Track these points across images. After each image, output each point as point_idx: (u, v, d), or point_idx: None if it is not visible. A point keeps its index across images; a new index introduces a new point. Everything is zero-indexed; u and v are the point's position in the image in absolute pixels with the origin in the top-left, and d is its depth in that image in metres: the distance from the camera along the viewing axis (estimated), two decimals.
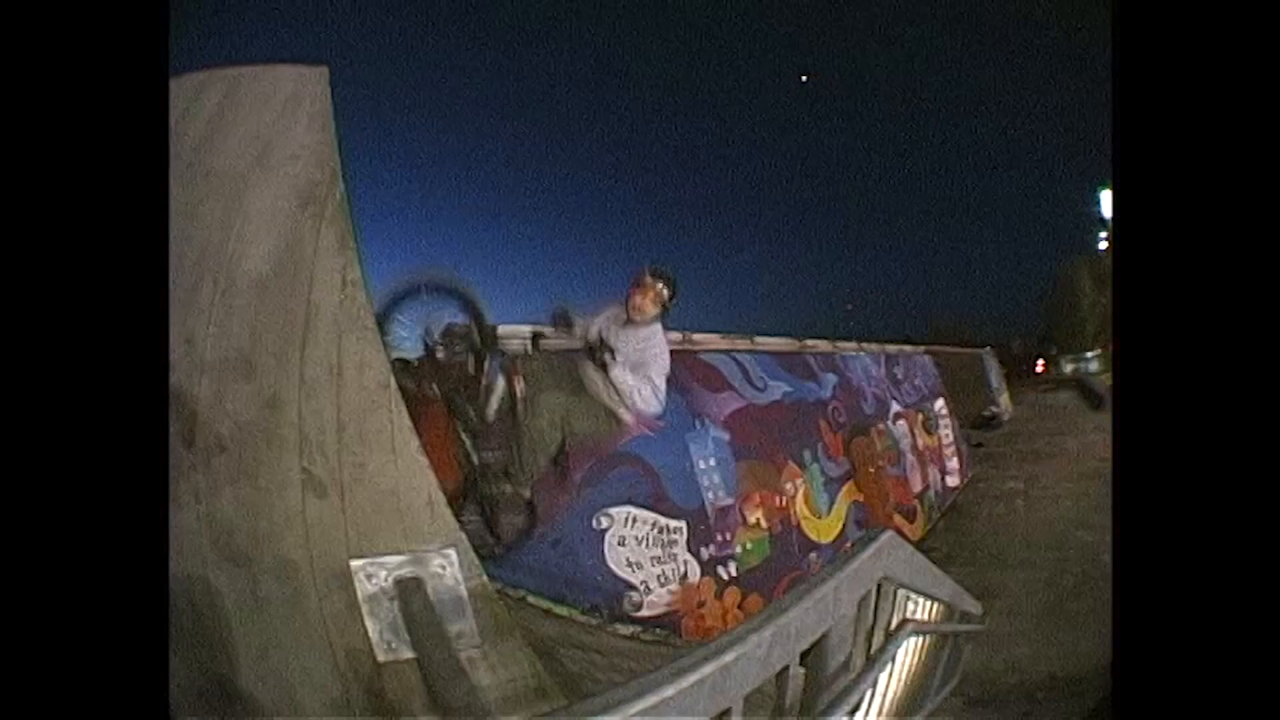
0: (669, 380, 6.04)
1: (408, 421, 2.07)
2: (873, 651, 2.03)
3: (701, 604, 5.09)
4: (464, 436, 3.42)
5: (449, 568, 1.92)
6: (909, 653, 2.59)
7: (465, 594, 1.93)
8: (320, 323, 2.08)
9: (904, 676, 2.63)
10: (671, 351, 6.37)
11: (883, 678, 2.20)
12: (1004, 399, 24.18)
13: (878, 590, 2.01)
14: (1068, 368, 48.63)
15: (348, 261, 2.16)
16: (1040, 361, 53.92)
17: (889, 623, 2.19)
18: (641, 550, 4.68)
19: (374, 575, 1.83)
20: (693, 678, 1.12)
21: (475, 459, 3.44)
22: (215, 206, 2.16)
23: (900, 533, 8.26)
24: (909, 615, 2.41)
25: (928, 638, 2.72)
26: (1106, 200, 32.08)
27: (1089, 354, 44.11)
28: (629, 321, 3.86)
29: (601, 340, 3.75)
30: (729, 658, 1.23)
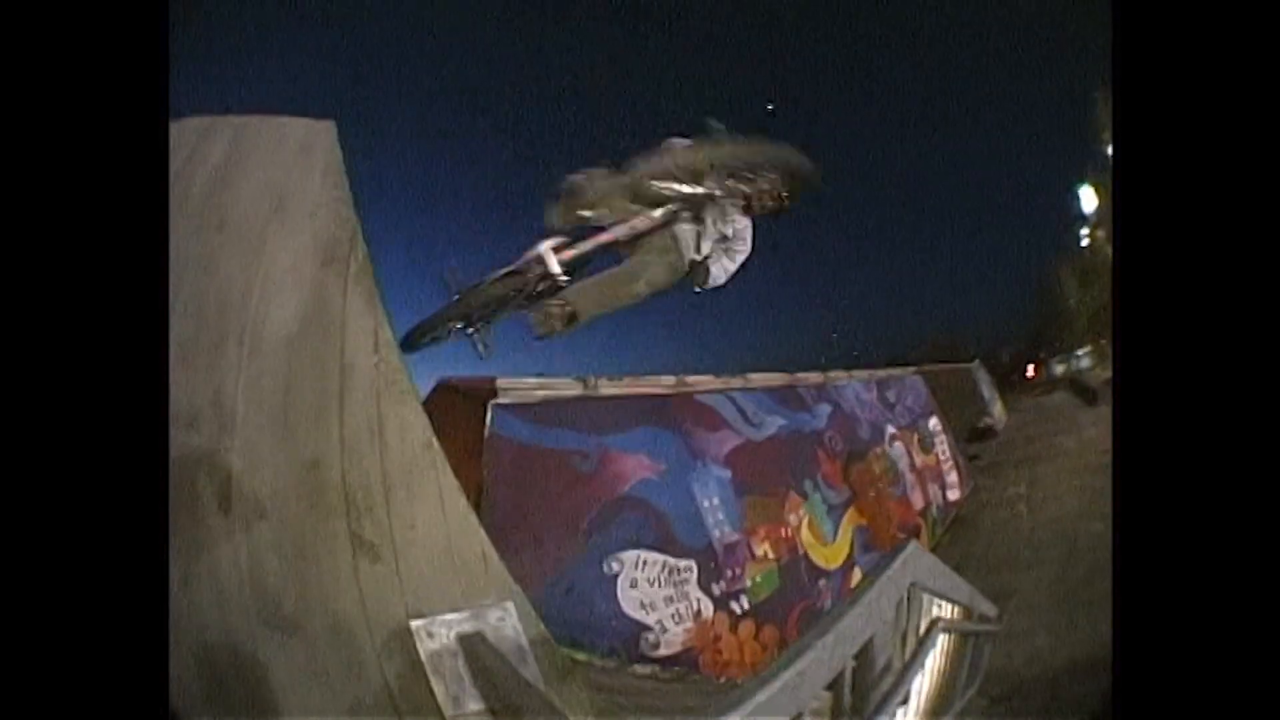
0: (669, 426, 6.34)
1: (453, 480, 2.12)
2: (908, 653, 2.15)
3: (718, 638, 5.20)
4: None
5: (508, 619, 1.98)
6: (938, 653, 2.70)
7: (526, 644, 1.97)
8: (356, 384, 2.09)
9: (934, 677, 2.75)
10: (667, 395, 6.74)
11: (918, 678, 2.30)
12: (997, 409, 24.13)
13: (908, 595, 2.14)
14: (1058, 369, 48.20)
15: (378, 322, 2.20)
16: (1031, 366, 53.80)
17: (919, 625, 2.33)
18: (654, 591, 4.83)
19: (435, 633, 1.86)
20: (777, 684, 1.23)
21: None
22: (233, 260, 2.14)
23: None
24: (936, 617, 2.54)
25: (953, 639, 2.86)
26: (1086, 197, 32.25)
27: (1079, 352, 43.90)
28: (747, 207, 3.55)
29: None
30: (804, 664, 1.33)
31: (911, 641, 2.24)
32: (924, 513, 10.68)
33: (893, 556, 2.06)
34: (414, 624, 1.87)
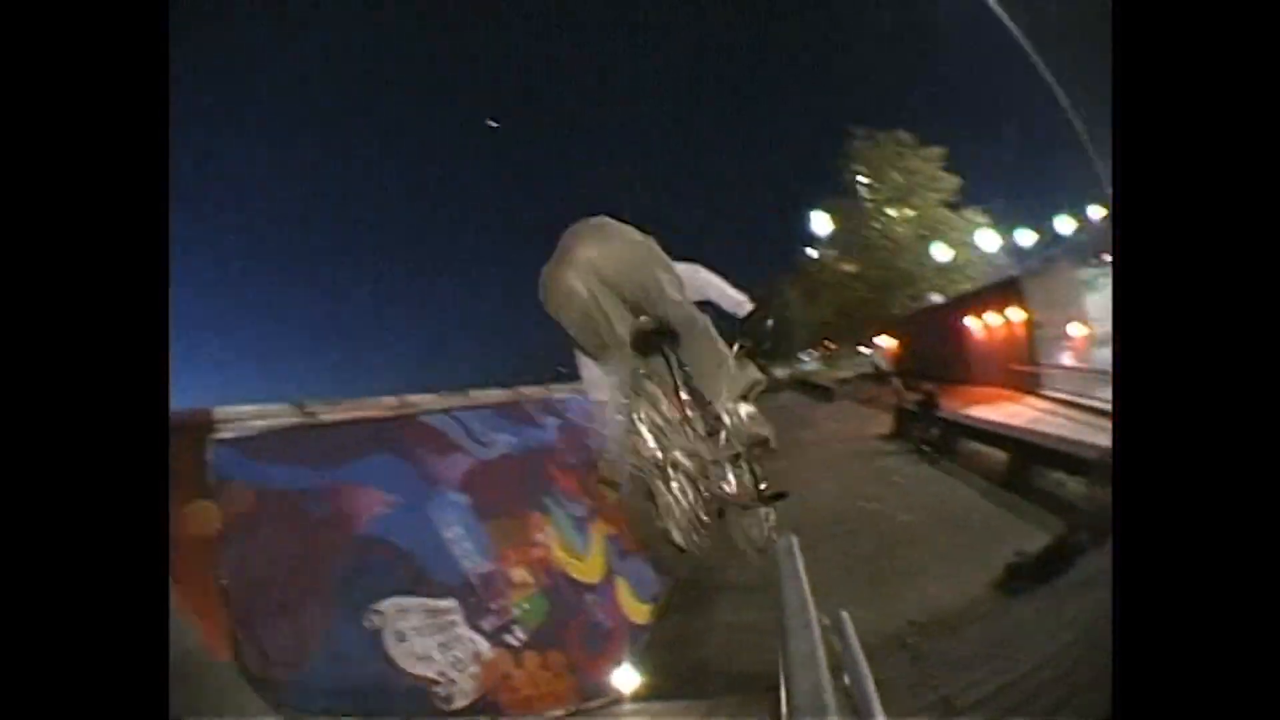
0: (396, 452, 5.49)
1: None
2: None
3: (507, 676, 4.50)
4: None
5: None
6: None
7: None
8: None
9: None
10: (392, 418, 5.85)
11: None
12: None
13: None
14: (780, 373, 55.99)
15: None
16: None
17: None
18: (425, 641, 3.98)
19: None
20: None
21: None
22: None
23: (661, 554, 8.34)
24: None
25: None
26: (818, 220, 35.26)
27: (804, 356, 51.07)
28: None
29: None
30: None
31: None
32: None
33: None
34: None
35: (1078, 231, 31.16)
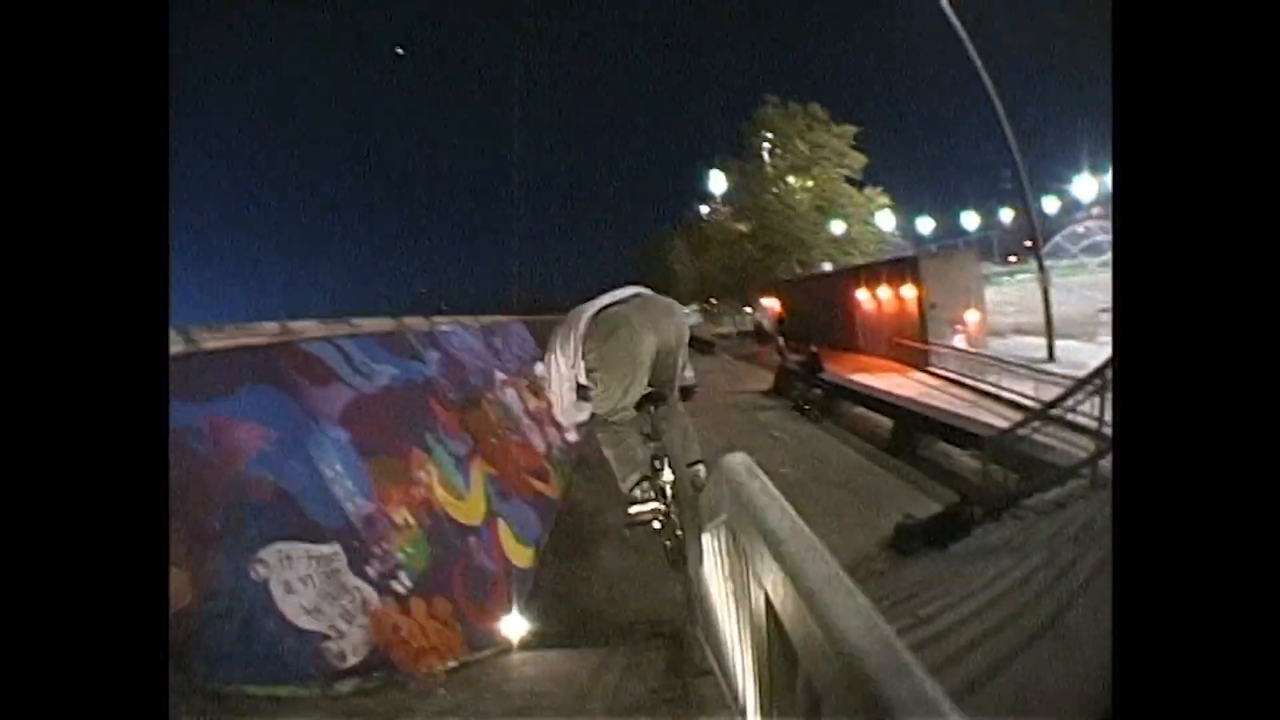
0: (276, 382, 5.06)
1: None
2: None
3: (396, 628, 4.31)
4: None
5: None
6: None
7: None
8: None
9: None
10: (270, 344, 5.37)
11: None
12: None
13: None
14: None
15: None
16: None
17: None
18: (311, 592, 3.71)
19: None
20: None
21: None
22: None
23: (542, 497, 8.37)
24: None
25: None
26: (714, 178, 36.33)
27: (686, 309, 51.16)
28: None
29: None
30: None
31: None
32: (548, 456, 10.79)
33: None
34: None
35: (982, 228, 33.47)
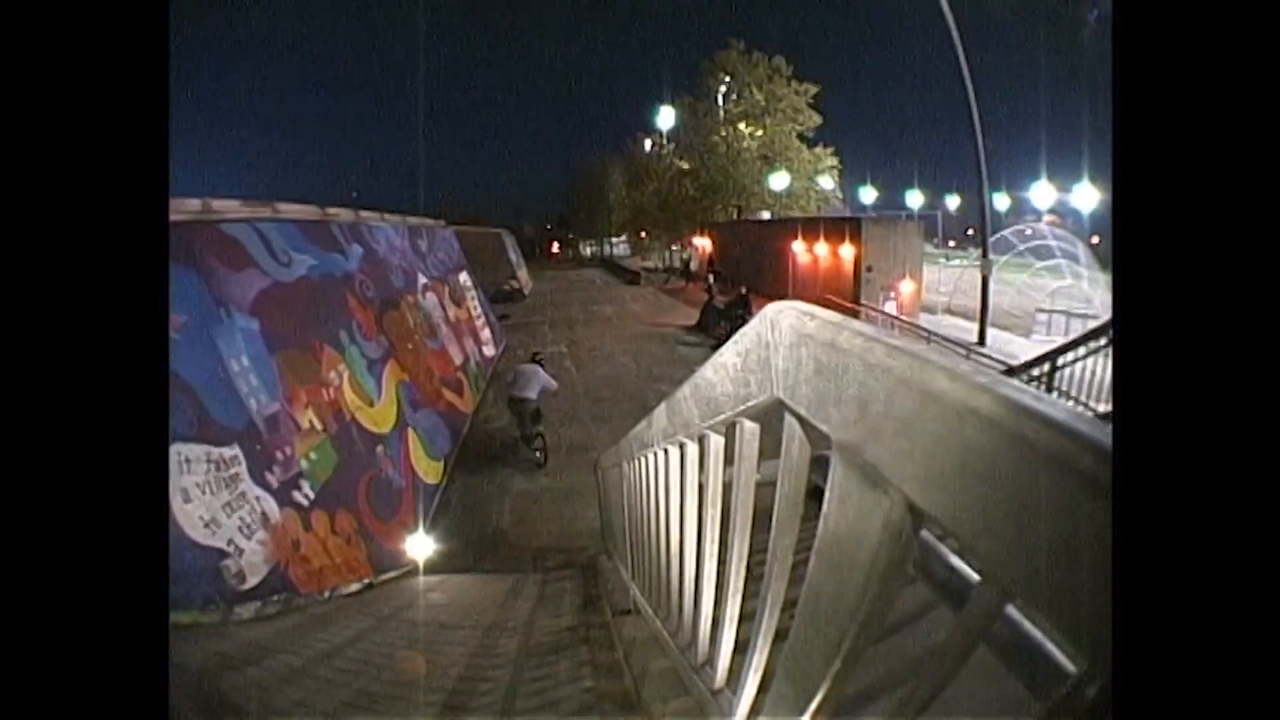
0: (189, 262, 4.63)
1: None
2: None
3: (296, 544, 4.10)
4: None
5: None
6: None
7: None
8: None
9: None
10: (188, 223, 4.92)
11: None
12: (522, 274, 26.81)
13: None
14: (587, 250, 55.13)
15: None
16: (555, 243, 59.99)
17: None
18: (210, 500, 3.45)
19: None
20: None
21: None
22: None
23: (454, 409, 8.18)
24: None
25: None
26: (663, 114, 35.29)
27: (613, 240, 50.61)
28: None
29: None
30: None
31: None
32: (463, 368, 10.54)
33: None
34: None
35: (926, 208, 34.19)
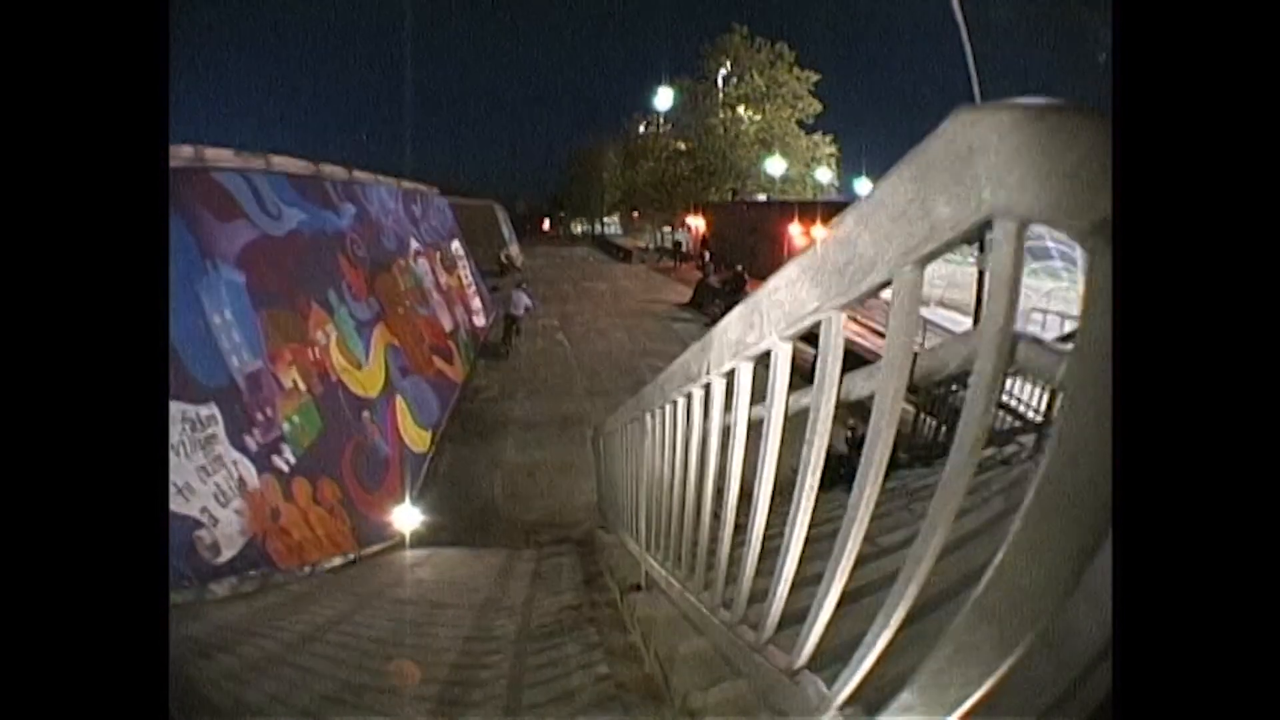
0: (177, 211, 4.38)
1: None
2: None
3: (276, 514, 3.86)
4: None
5: None
6: None
7: None
8: None
9: None
10: (179, 169, 4.70)
11: None
12: (514, 248, 26.80)
13: None
14: (578, 229, 55.06)
15: None
16: (546, 221, 59.80)
17: None
18: (185, 464, 3.21)
19: None
20: None
21: None
22: None
23: (444, 377, 7.92)
24: None
25: None
26: (662, 95, 35.44)
27: (605, 219, 50.63)
28: None
29: None
30: None
31: None
32: (453, 335, 10.28)
33: None
34: None
35: None
